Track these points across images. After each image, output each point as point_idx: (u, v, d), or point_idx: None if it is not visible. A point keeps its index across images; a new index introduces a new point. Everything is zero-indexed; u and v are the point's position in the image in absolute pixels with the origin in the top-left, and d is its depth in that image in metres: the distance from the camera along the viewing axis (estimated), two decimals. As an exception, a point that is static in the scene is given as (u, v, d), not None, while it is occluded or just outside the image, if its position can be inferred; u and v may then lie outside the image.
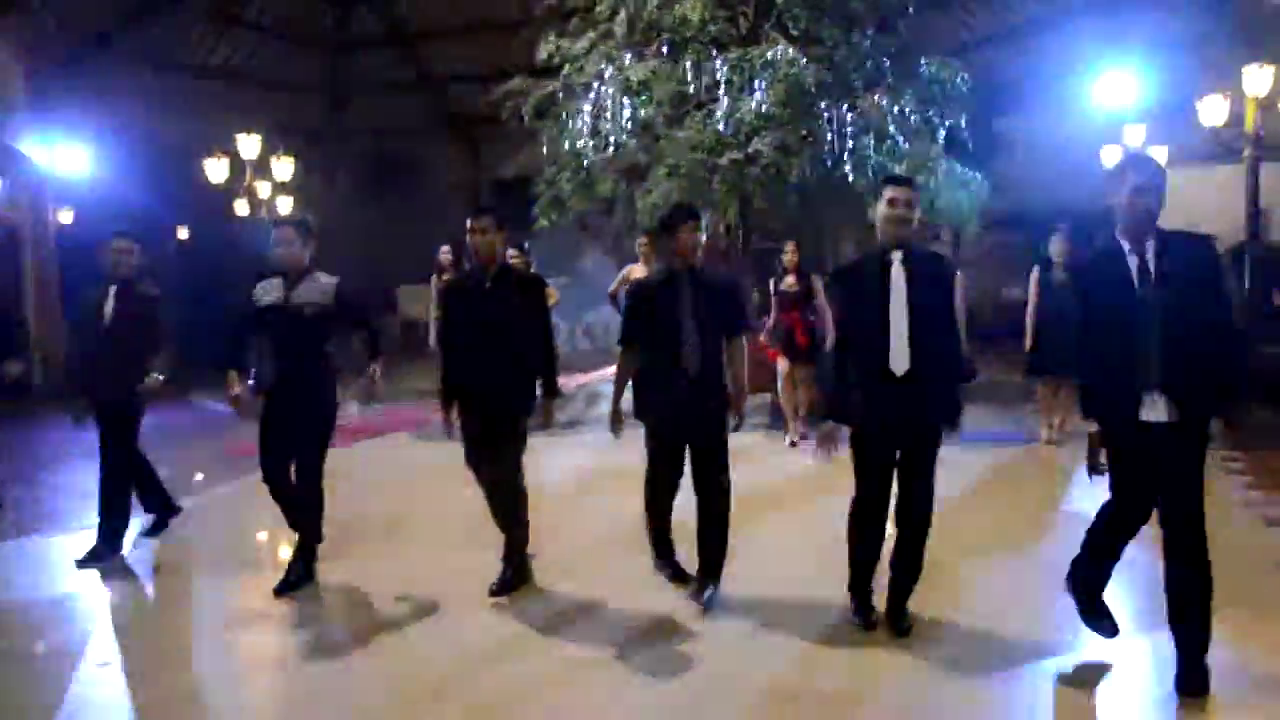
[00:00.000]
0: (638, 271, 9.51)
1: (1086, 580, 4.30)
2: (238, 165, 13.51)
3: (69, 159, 15.17)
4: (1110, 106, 13.29)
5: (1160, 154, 13.20)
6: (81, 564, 6.03)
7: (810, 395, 9.25)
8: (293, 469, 5.47)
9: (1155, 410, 3.86)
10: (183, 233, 20.35)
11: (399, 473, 9.03)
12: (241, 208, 15.59)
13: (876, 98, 10.74)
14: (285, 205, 15.72)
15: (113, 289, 6.22)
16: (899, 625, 4.58)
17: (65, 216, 16.27)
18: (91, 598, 5.57)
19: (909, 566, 4.63)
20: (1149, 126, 13.59)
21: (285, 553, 5.83)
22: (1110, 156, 13.78)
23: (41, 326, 14.75)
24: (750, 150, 10.38)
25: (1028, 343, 8.91)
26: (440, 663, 4.42)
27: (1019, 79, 18.87)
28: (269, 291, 5.46)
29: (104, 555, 6.11)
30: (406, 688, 4.17)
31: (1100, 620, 4.30)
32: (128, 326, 6.13)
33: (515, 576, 5.33)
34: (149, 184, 18.17)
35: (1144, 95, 14.40)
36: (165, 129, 18.75)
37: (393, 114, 24.27)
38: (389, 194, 23.99)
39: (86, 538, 6.36)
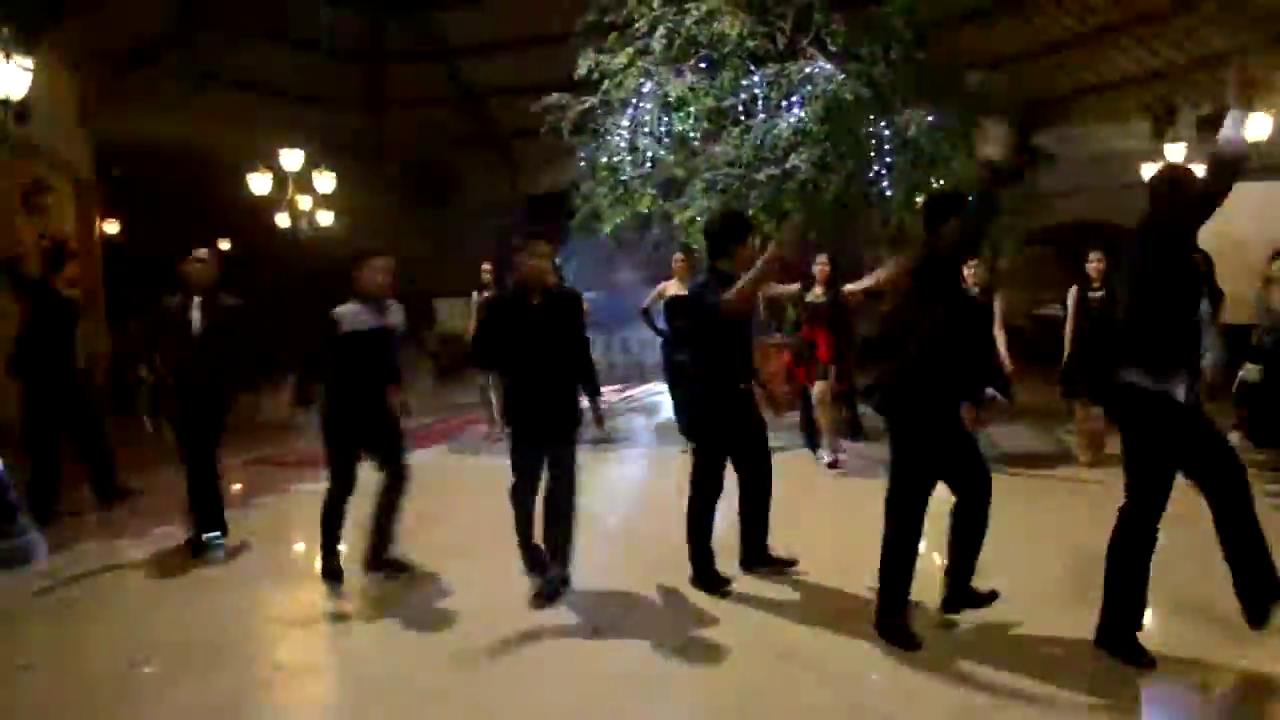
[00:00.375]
0: (673, 288, 9.56)
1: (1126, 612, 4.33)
2: (280, 178, 13.66)
3: (117, 171, 15.43)
4: (1150, 125, 13.23)
5: (1200, 172, 13.05)
6: (198, 551, 6.46)
7: (831, 413, 9.19)
8: (382, 477, 5.84)
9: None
10: (225, 244, 20.60)
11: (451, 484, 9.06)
12: (283, 220, 15.77)
13: (915, 113, 10.71)
14: (326, 218, 15.92)
15: (196, 300, 6.55)
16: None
17: (110, 227, 16.54)
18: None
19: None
20: (1189, 144, 13.45)
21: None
22: (1150, 174, 13.63)
23: (87, 339, 14.95)
24: (787, 166, 10.40)
25: (1064, 361, 8.79)
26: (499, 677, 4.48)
27: (1057, 94, 18.80)
28: (358, 316, 5.66)
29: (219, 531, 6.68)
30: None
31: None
32: (216, 336, 6.49)
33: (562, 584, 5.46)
34: (193, 196, 18.51)
35: (1185, 111, 14.28)
36: (208, 142, 19.06)
37: (430, 127, 24.46)
38: (426, 206, 24.22)
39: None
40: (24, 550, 6.39)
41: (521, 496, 5.47)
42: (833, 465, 9.01)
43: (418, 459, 9.80)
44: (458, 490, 8.61)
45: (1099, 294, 8.44)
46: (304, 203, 14.58)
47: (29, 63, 7.62)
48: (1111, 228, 17.55)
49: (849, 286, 7.59)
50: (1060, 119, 18.61)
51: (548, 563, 5.46)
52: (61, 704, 4.28)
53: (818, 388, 9.21)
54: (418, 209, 24.11)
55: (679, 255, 10.01)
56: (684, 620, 5.05)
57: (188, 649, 4.85)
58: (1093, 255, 8.64)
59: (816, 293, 9.38)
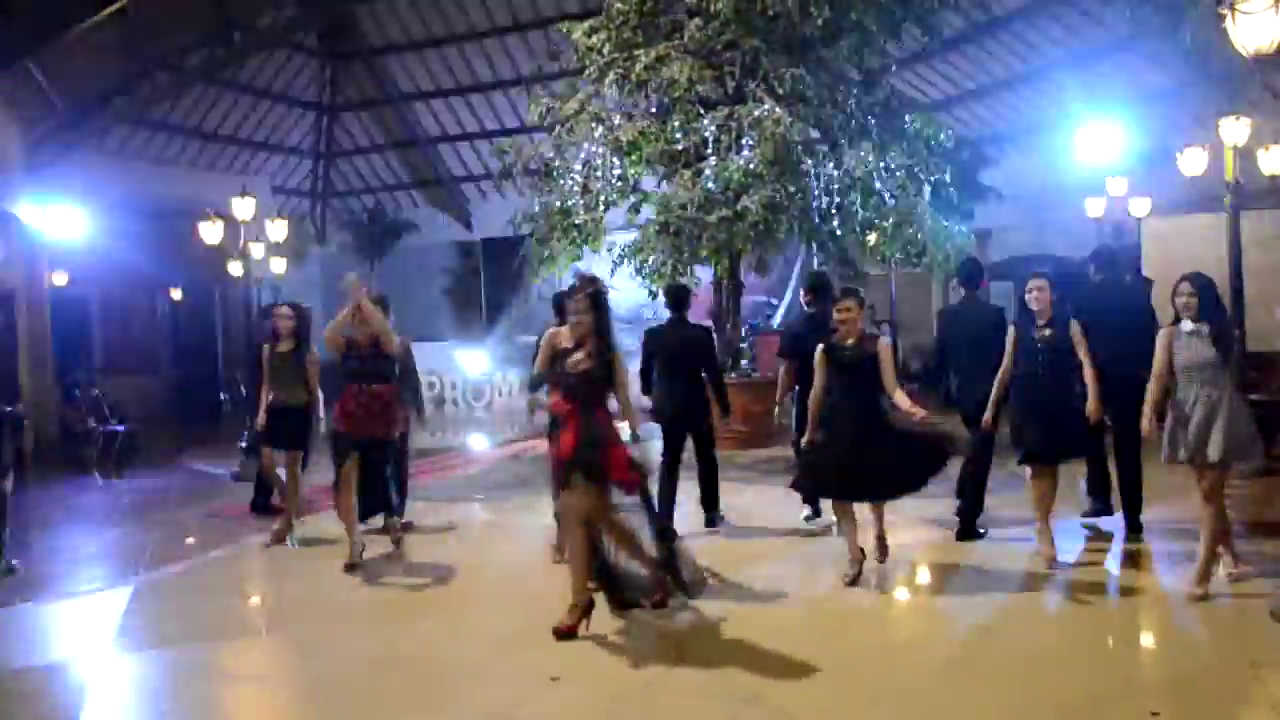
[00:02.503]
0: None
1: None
2: (232, 227, 13.59)
3: (63, 220, 15.22)
4: (1093, 159, 13.51)
5: (1143, 205, 13.40)
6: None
7: None
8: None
9: None
10: (176, 293, 20.43)
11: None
12: (235, 268, 15.66)
13: (863, 154, 10.90)
14: (279, 265, 15.83)
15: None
16: None
17: (59, 278, 16.33)
18: (81, 669, 5.51)
19: None
20: (1131, 178, 13.79)
21: (279, 616, 5.89)
22: (1094, 208, 13.96)
23: (35, 387, 14.73)
24: (739, 208, 10.53)
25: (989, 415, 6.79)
26: None
27: (1002, 131, 19.21)
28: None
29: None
30: None
31: None
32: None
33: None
34: (143, 244, 18.33)
35: (1126, 146, 14.62)
36: (159, 189, 18.93)
37: (383, 173, 24.57)
38: (380, 252, 24.15)
39: (84, 603, 6.53)
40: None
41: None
42: None
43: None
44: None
45: (1047, 331, 6.42)
46: (257, 251, 14.45)
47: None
48: (1060, 260, 17.96)
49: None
50: (1004, 156, 18.99)
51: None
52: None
53: None
54: (372, 254, 24.01)
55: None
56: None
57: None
58: (1033, 283, 6.49)
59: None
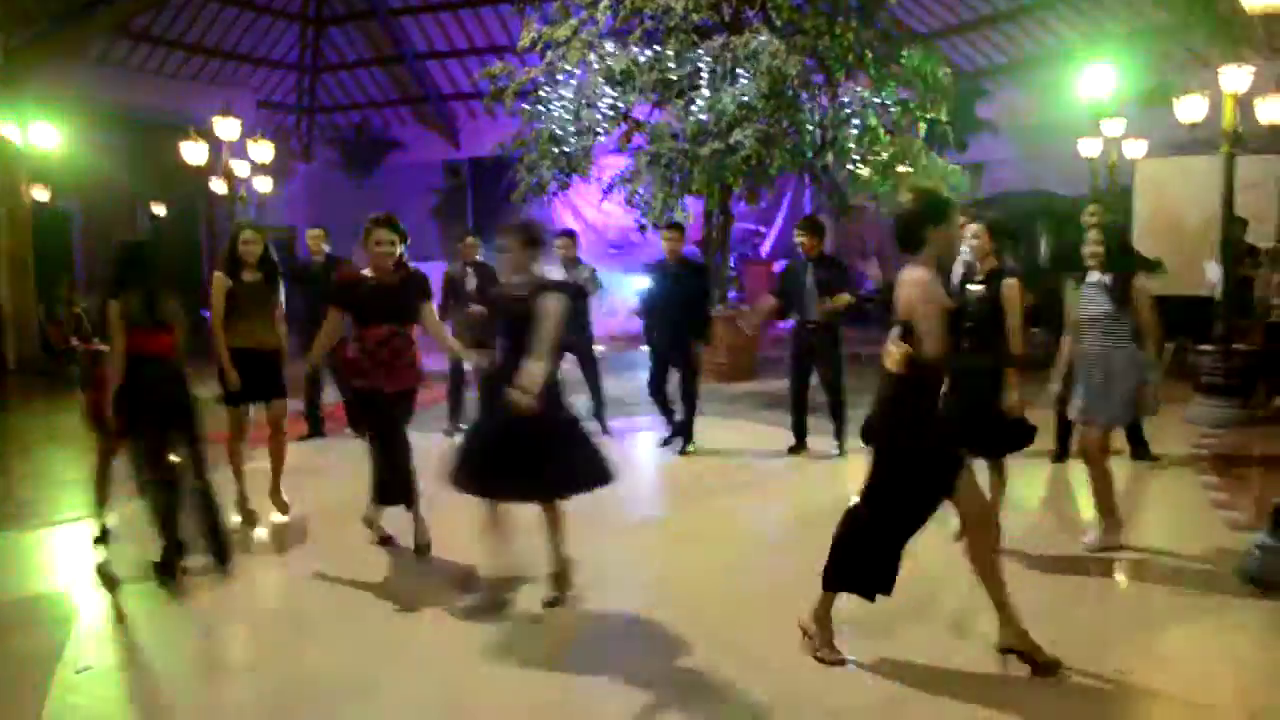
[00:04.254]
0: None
1: None
2: (217, 145, 13.31)
3: (42, 134, 14.96)
4: (1090, 98, 13.32)
5: (1138, 147, 13.26)
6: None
7: None
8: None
9: None
10: (159, 208, 20.16)
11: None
12: (219, 186, 15.43)
13: (860, 89, 10.74)
14: (264, 184, 15.58)
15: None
16: None
17: (39, 192, 16.07)
18: (66, 600, 5.52)
19: None
20: (1128, 118, 13.62)
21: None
22: (1088, 150, 13.80)
23: (16, 303, 14.61)
24: (731, 141, 10.39)
25: None
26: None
27: (1000, 64, 18.97)
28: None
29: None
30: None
31: None
32: None
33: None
34: (125, 158, 18.06)
35: (1124, 84, 14.44)
36: (141, 101, 18.60)
37: (369, 90, 24.13)
38: (367, 170, 23.85)
39: (63, 533, 6.46)
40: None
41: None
42: None
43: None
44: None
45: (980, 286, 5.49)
46: (241, 168, 14.20)
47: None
48: (1051, 197, 17.88)
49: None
50: (1001, 89, 18.78)
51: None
52: None
53: None
54: (357, 172, 23.71)
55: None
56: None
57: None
58: (971, 226, 5.51)
59: None
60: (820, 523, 5.92)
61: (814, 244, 7.78)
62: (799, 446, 8.11)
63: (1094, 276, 5.56)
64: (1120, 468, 7.33)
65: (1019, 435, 5.50)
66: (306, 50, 22.93)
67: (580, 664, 4.34)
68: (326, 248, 9.45)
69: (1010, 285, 5.34)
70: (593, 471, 4.86)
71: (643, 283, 8.38)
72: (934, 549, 4.98)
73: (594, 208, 16.56)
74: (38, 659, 4.56)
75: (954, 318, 4.76)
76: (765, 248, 21.57)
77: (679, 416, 8.32)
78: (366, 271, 5.58)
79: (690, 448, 8.23)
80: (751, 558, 5.81)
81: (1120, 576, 5.36)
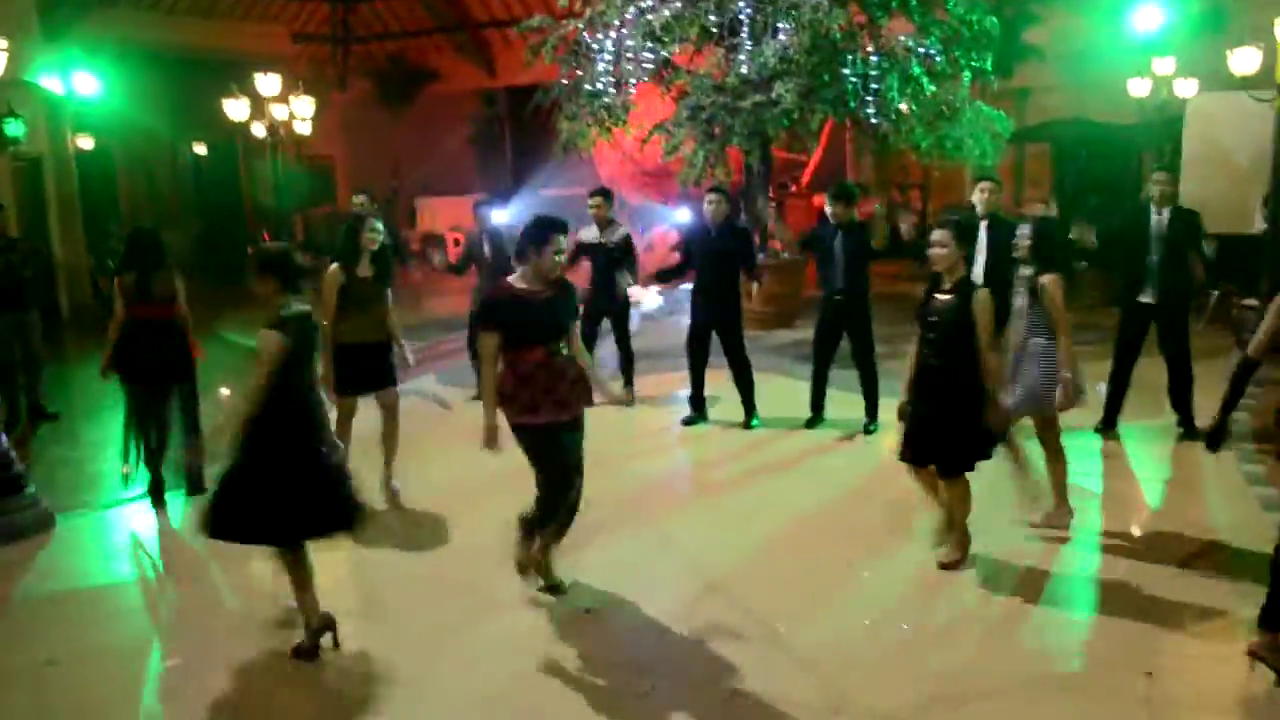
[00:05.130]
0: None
1: None
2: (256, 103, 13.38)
3: (84, 83, 15.08)
4: (1142, 31, 13.03)
5: (1189, 86, 12.95)
6: None
7: None
8: None
9: None
10: (199, 147, 20.29)
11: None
12: (258, 129, 15.50)
13: (903, 38, 10.55)
14: (304, 128, 15.63)
15: None
16: None
17: (84, 141, 16.25)
18: (140, 588, 5.79)
19: None
20: (1178, 56, 13.23)
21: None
22: (1138, 89, 13.47)
23: (67, 253, 14.89)
24: (772, 95, 10.29)
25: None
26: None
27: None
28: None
29: None
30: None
31: None
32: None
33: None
34: (162, 96, 18.13)
35: (1175, 14, 14.07)
36: (176, 39, 18.58)
37: (404, 18, 23.88)
38: (402, 100, 23.75)
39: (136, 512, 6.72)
40: (34, 521, 6.49)
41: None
42: None
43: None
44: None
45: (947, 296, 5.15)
46: (280, 112, 14.29)
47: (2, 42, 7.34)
48: (1100, 125, 17.52)
49: None
50: (1050, 14, 18.22)
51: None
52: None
53: None
54: (393, 103, 23.64)
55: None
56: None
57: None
58: (936, 234, 5.19)
59: None
60: (857, 505, 5.99)
61: (845, 212, 7.61)
62: (816, 419, 8.06)
63: (1025, 270, 5.64)
64: (1159, 439, 7.44)
65: (968, 451, 5.18)
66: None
67: (628, 661, 4.54)
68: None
69: (982, 299, 5.01)
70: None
71: (683, 215, 8.48)
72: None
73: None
74: (122, 653, 4.86)
75: (919, 325, 5.18)
76: (805, 177, 21.31)
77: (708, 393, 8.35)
78: (515, 281, 4.82)
79: (755, 421, 8.15)
80: (794, 541, 5.92)
81: (1143, 564, 5.38)
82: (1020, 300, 5.67)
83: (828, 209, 7.80)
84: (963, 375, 5.04)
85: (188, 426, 6.87)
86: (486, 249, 8.90)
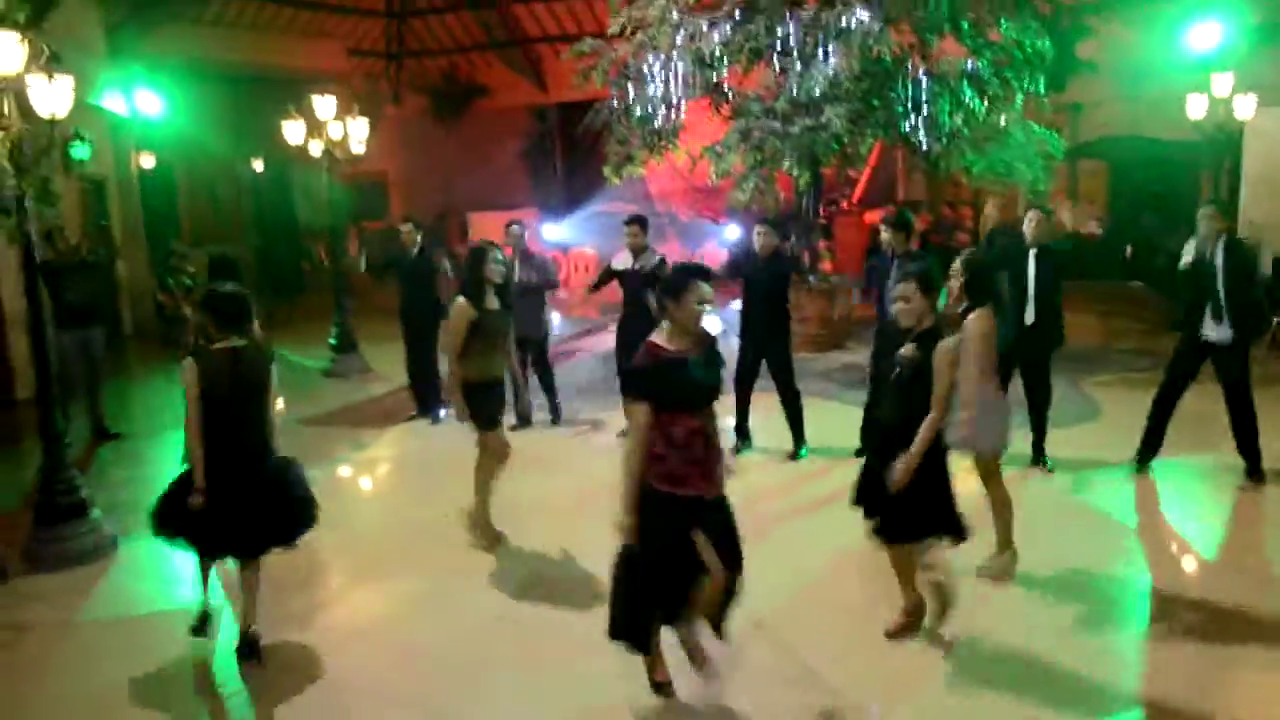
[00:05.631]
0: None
1: None
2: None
3: (148, 103, 15.47)
4: (1200, 47, 12.84)
5: (1248, 104, 12.73)
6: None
7: None
8: None
9: None
10: (257, 164, 20.66)
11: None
12: (315, 146, 15.74)
13: (955, 60, 10.50)
14: (359, 148, 15.83)
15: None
16: None
17: (146, 160, 16.64)
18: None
19: None
20: (1238, 66, 12.98)
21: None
22: (1195, 108, 13.27)
23: (131, 272, 15.25)
24: (822, 119, 10.29)
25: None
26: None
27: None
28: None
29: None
30: None
31: None
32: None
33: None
34: (220, 113, 18.49)
35: (1233, 27, 13.84)
36: (232, 57, 18.92)
37: (457, 34, 24.15)
38: (454, 115, 24.01)
39: None
40: (96, 546, 6.67)
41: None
42: None
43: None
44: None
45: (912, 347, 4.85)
46: (335, 130, 14.48)
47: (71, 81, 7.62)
48: (1157, 143, 17.27)
49: None
50: (1104, 25, 17.99)
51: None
52: None
53: None
54: (446, 118, 23.92)
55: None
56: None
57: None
58: (900, 289, 4.90)
59: None
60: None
61: (900, 240, 7.55)
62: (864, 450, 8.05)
63: (959, 307, 5.62)
64: (1219, 481, 7.28)
65: (911, 522, 4.85)
66: (394, -5, 23.05)
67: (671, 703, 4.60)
68: (419, 238, 9.72)
69: (943, 352, 4.68)
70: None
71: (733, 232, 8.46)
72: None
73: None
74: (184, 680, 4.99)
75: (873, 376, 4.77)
76: (856, 194, 21.24)
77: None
78: (662, 342, 4.28)
79: (804, 452, 8.22)
80: (839, 579, 5.93)
81: (1191, 615, 5.32)
82: (948, 339, 5.59)
83: (883, 236, 7.79)
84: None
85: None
86: (519, 272, 8.97)
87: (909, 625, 5.01)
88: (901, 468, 4.67)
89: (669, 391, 4.22)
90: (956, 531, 4.90)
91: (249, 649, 5.07)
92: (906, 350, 4.78)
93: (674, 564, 4.28)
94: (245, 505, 4.94)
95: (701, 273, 4.29)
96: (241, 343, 4.98)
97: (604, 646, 4.54)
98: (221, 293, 5.20)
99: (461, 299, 6.21)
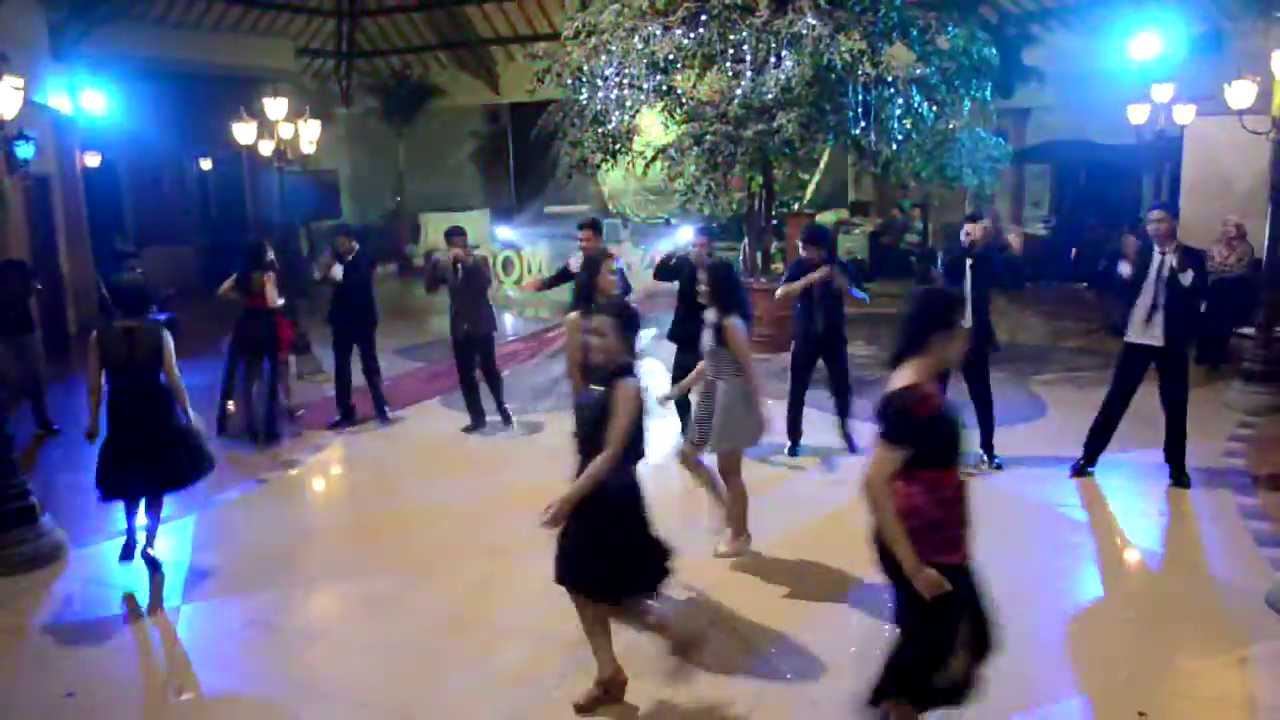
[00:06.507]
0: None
1: None
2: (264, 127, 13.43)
3: (92, 101, 15.22)
4: (1142, 56, 13.16)
5: (1188, 113, 13.07)
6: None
7: None
8: None
9: None
10: (205, 162, 20.41)
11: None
12: (265, 147, 15.63)
13: (905, 68, 10.65)
14: (309, 148, 15.73)
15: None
16: None
17: (91, 159, 16.38)
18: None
19: None
20: (1178, 80, 13.31)
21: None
22: (1137, 115, 13.60)
23: (74, 272, 14.98)
24: (774, 125, 10.39)
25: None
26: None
27: (1050, 8, 18.49)
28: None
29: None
30: None
31: None
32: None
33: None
34: (167, 111, 18.22)
35: (1173, 35, 14.21)
36: (180, 54, 18.66)
37: (408, 34, 24.02)
38: (406, 116, 23.87)
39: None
40: (47, 551, 6.58)
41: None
42: None
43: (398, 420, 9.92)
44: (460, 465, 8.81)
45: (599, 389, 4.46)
46: (286, 130, 14.37)
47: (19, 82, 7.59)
48: (1100, 147, 17.65)
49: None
50: (1049, 34, 18.38)
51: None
52: None
53: None
54: (397, 119, 23.77)
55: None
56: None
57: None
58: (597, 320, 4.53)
59: None
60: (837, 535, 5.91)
61: (818, 253, 8.03)
62: (795, 446, 8.33)
63: (709, 314, 5.94)
64: (1147, 474, 7.46)
65: (606, 577, 4.37)
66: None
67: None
68: (354, 245, 9.66)
69: (624, 389, 4.27)
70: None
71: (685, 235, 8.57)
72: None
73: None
74: (136, 685, 4.93)
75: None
76: (807, 196, 21.45)
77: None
78: (924, 383, 3.63)
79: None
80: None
81: (1130, 608, 5.51)
82: (705, 341, 5.94)
83: (803, 253, 8.13)
84: (605, 485, 4.26)
85: (271, 387, 9.17)
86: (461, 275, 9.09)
87: (598, 698, 4.53)
88: (555, 507, 4.24)
89: (938, 441, 3.65)
90: (645, 590, 4.54)
91: (145, 559, 6.18)
92: (594, 390, 4.39)
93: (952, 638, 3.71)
94: (146, 454, 5.98)
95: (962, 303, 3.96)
96: (135, 323, 6.06)
97: (556, 643, 4.62)
98: (123, 284, 6.63)
99: (573, 315, 5.92)
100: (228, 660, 5.25)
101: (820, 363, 8.26)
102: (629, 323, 4.40)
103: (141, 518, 6.28)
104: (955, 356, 3.79)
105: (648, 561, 4.45)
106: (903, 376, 3.64)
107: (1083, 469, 7.53)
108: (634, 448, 4.35)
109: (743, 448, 6.05)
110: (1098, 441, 7.49)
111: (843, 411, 8.29)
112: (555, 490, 4.35)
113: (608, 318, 4.39)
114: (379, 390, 9.81)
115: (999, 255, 7.75)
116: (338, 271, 9.26)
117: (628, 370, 4.34)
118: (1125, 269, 7.14)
